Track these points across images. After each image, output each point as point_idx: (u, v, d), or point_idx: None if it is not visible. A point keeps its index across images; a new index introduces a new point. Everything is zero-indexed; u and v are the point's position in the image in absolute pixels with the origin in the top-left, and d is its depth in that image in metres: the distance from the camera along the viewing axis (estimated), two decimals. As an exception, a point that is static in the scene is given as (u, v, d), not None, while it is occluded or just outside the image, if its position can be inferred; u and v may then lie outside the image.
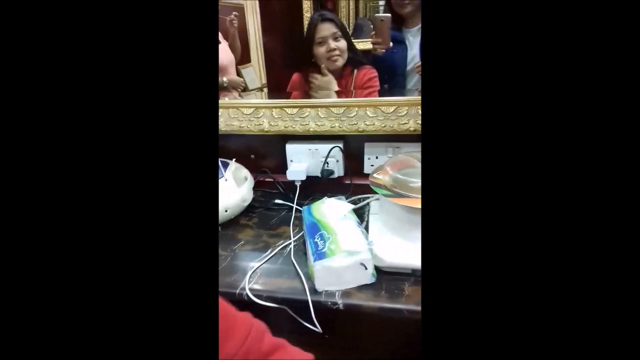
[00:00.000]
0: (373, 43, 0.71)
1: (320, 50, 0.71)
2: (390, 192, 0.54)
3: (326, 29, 0.70)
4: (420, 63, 0.71)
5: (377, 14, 0.71)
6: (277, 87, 0.80)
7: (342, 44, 0.71)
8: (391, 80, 0.74)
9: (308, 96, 0.77)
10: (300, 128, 0.74)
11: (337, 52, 0.71)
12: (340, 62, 0.72)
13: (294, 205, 0.73)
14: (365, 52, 0.73)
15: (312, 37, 0.71)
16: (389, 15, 0.69)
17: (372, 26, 0.72)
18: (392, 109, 0.69)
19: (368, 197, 0.71)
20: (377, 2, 0.72)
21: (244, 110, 0.76)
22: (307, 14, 0.72)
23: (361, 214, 0.68)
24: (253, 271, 0.56)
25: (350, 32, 0.72)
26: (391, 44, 0.71)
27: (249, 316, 0.38)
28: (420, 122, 0.68)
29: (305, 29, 0.72)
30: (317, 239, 0.54)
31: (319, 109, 0.73)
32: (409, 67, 0.73)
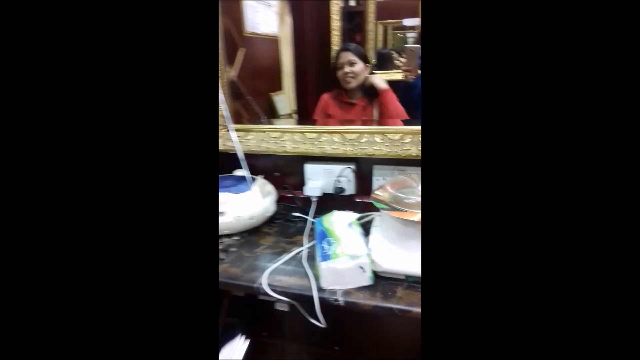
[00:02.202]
0: (405, 70, 0.84)
1: (339, 73, 0.86)
2: (388, 206, 0.63)
3: (344, 56, 0.85)
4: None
5: (407, 45, 0.82)
6: (305, 113, 0.93)
7: (356, 68, 0.85)
8: (418, 104, 0.85)
9: (334, 116, 0.90)
10: (317, 150, 0.86)
11: (350, 75, 0.85)
12: (354, 83, 0.86)
13: (310, 218, 0.83)
14: (392, 82, 0.84)
15: (336, 62, 0.86)
16: (419, 45, 0.80)
17: (395, 55, 0.85)
18: (397, 136, 0.79)
19: (373, 213, 0.80)
20: (404, 34, 0.83)
21: (271, 134, 0.89)
22: (335, 47, 0.85)
23: (367, 228, 0.77)
24: (270, 271, 0.66)
25: (373, 61, 0.85)
26: (419, 71, 0.82)
27: None
28: (420, 148, 0.78)
29: (333, 59, 0.87)
30: (325, 244, 0.64)
31: (334, 135, 0.84)
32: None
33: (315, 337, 1.12)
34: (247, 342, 0.39)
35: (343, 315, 0.93)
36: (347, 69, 0.85)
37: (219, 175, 0.89)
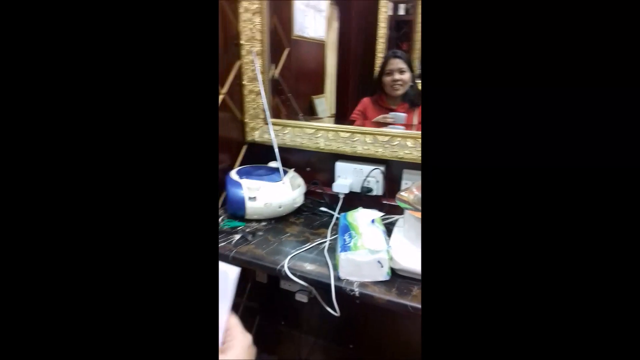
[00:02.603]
0: None
1: (387, 79, 0.88)
2: (412, 207, 0.65)
3: (395, 63, 0.87)
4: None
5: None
6: (344, 118, 0.96)
7: (405, 76, 0.87)
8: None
9: (372, 118, 0.92)
10: (349, 149, 0.89)
11: (399, 82, 0.87)
12: (401, 90, 0.88)
13: (335, 214, 0.86)
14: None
15: (384, 68, 0.88)
16: None
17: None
18: (429, 142, 0.80)
19: (398, 216, 0.81)
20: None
21: (306, 130, 0.93)
22: (380, 54, 0.88)
23: (390, 229, 0.79)
24: (292, 255, 0.70)
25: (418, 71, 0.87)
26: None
27: None
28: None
29: (376, 65, 0.89)
30: (346, 236, 0.67)
31: (367, 135, 0.86)
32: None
33: (331, 332, 1.14)
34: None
35: (360, 313, 0.95)
36: (397, 76, 0.86)
37: (254, 165, 0.94)
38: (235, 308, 0.48)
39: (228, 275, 0.47)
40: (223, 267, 0.48)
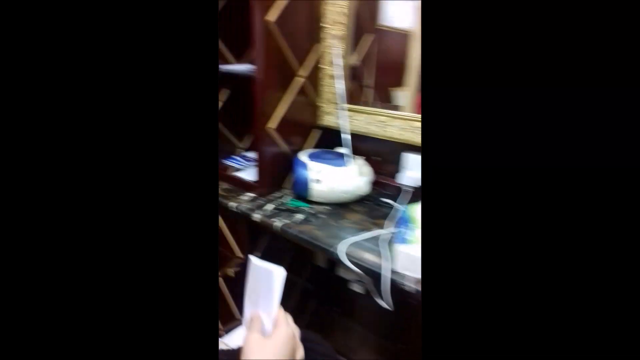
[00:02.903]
0: None
1: None
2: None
3: None
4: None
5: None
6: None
7: None
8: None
9: None
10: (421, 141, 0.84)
11: None
12: None
13: (399, 206, 0.83)
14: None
15: None
16: None
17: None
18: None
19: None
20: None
21: (379, 118, 0.91)
22: None
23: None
24: (350, 241, 0.70)
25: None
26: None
27: None
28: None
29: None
30: (405, 229, 0.64)
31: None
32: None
33: (383, 328, 1.13)
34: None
35: (416, 313, 0.91)
36: None
37: (325, 149, 0.95)
38: (292, 287, 0.50)
39: (274, 275, 0.49)
40: (269, 266, 0.50)
